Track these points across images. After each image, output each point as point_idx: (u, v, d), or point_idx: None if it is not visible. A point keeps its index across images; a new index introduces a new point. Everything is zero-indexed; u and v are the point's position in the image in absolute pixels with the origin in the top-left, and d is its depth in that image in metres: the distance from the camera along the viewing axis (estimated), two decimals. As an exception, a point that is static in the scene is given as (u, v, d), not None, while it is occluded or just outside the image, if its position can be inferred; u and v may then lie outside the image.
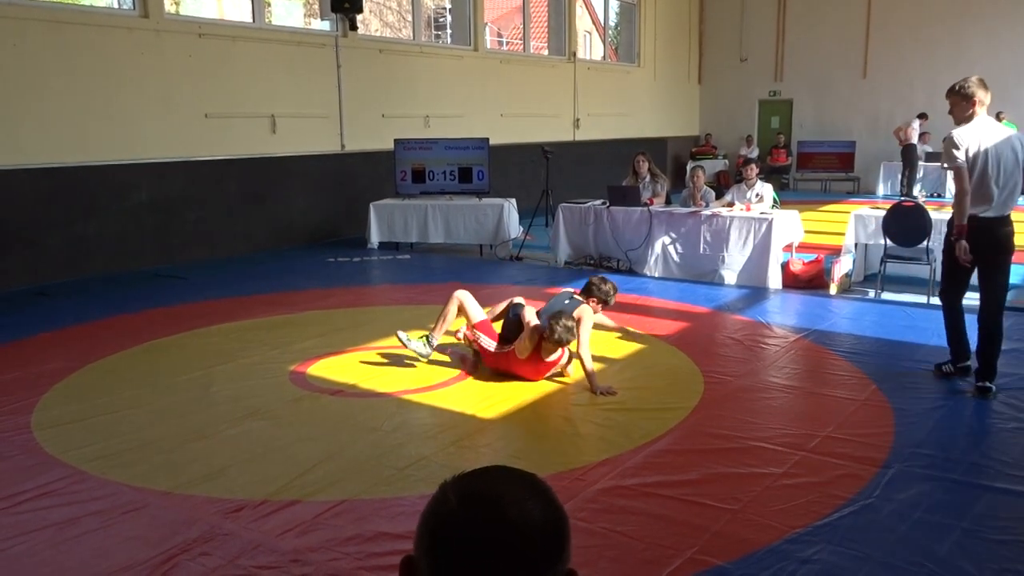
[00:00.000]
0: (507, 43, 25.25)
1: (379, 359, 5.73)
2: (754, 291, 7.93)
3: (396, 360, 5.64)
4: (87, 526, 3.38)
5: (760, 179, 9.13)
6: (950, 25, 17.19)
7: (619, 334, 6.15)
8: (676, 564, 3.05)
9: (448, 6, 18.78)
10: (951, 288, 5.07)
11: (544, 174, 11.91)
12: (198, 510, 3.51)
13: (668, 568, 3.02)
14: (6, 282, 8.13)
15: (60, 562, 3.12)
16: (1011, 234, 4.84)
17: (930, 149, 16.26)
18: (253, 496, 3.63)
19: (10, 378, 5.30)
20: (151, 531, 3.34)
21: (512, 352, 5.10)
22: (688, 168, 14.83)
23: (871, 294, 7.78)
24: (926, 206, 7.61)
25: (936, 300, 7.28)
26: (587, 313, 5.19)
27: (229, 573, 3.01)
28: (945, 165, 4.86)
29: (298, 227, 11.15)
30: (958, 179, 4.76)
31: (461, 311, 5.41)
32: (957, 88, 4.82)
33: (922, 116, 15.96)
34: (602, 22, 20.38)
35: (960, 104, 4.80)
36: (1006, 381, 5.11)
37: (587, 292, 5.47)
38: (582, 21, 21.12)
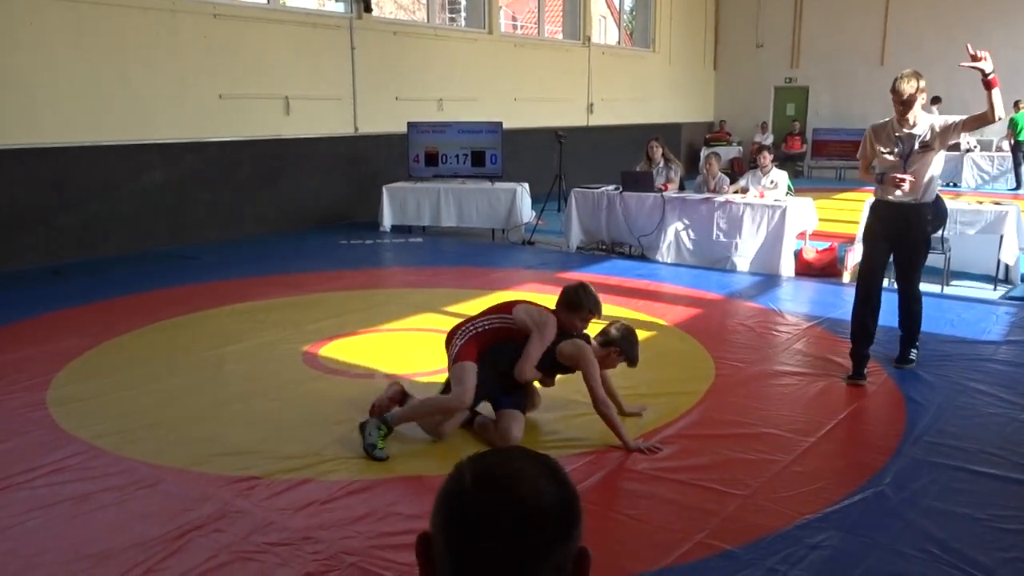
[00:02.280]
0: (521, 27, 25.15)
1: (391, 341, 5.75)
2: (767, 278, 7.91)
3: (408, 342, 5.66)
4: (102, 501, 3.42)
5: (775, 166, 9.09)
6: (969, 12, 16.98)
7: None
8: (685, 548, 3.06)
9: (463, -11, 18.69)
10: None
11: (557, 159, 11.89)
12: (211, 487, 3.54)
13: (677, 552, 3.03)
14: (21, 260, 8.19)
15: (75, 536, 3.16)
16: None
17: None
18: (266, 474, 3.66)
19: (25, 355, 5.35)
20: (165, 507, 3.37)
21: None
22: (702, 154, 14.74)
23: (884, 283, 7.72)
24: (941, 195, 7.54)
25: (951, 291, 7.29)
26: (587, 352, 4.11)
27: (241, 550, 3.04)
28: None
29: (311, 209, 11.17)
30: None
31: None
32: (919, 83, 4.78)
33: (936, 100, 15.73)
34: (617, 6, 20.24)
35: (922, 95, 4.78)
36: (1019, 372, 5.10)
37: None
38: (597, 5, 20.98)
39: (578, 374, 4.06)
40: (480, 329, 4.15)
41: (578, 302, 4.12)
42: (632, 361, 4.20)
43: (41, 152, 8.38)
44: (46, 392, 4.69)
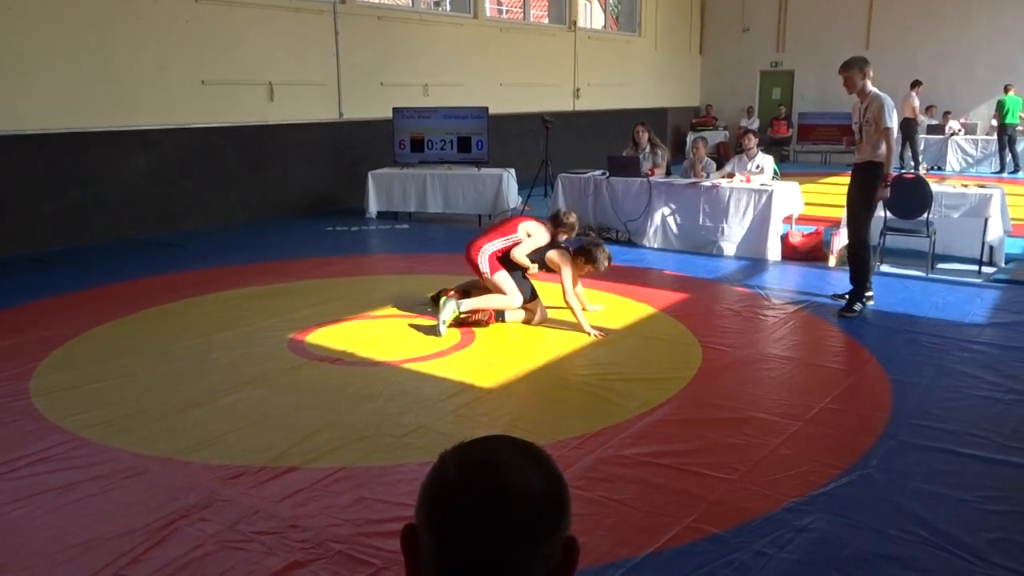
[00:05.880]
0: (507, 11, 24.98)
1: (377, 328, 5.73)
2: (753, 262, 7.92)
3: (394, 329, 5.64)
4: (86, 491, 3.39)
5: (761, 150, 9.09)
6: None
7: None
8: (673, 532, 3.06)
9: (448, -27, 18.53)
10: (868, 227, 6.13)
11: (544, 144, 11.85)
12: (197, 476, 3.52)
13: (666, 536, 3.04)
14: (3, 249, 8.10)
15: (59, 526, 3.13)
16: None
17: (935, 122, 16.11)
18: (252, 463, 3.64)
19: (8, 344, 5.30)
20: (150, 497, 3.35)
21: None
22: (688, 139, 14.74)
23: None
24: (927, 179, 7.57)
25: (936, 274, 7.31)
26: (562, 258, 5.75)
27: (228, 538, 3.03)
28: (889, 125, 5.73)
29: (296, 196, 11.09)
30: (892, 137, 5.88)
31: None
32: (852, 63, 5.88)
33: (916, 84, 15.68)
34: (603, -10, 20.16)
35: (856, 76, 5.82)
36: (1004, 354, 5.13)
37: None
38: (583, -11, 20.87)
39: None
40: (496, 249, 5.66)
41: (559, 218, 6.03)
42: (594, 261, 5.70)
43: (23, 139, 8.27)
44: (29, 381, 4.65)
